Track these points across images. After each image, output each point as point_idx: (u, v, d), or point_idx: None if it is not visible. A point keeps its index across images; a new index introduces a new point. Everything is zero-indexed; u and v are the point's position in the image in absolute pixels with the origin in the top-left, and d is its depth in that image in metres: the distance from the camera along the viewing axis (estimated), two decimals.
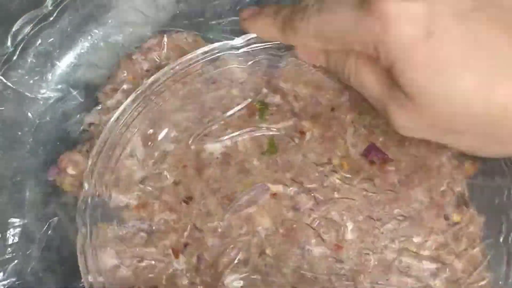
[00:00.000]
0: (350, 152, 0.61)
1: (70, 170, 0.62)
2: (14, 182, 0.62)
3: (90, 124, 0.64)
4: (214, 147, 0.62)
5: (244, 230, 0.58)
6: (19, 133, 0.63)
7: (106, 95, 0.64)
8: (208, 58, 0.62)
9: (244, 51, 0.60)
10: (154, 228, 0.59)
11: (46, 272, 0.59)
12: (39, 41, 0.63)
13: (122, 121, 0.61)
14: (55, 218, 0.61)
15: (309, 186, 0.60)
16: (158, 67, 0.65)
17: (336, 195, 0.59)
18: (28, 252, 0.59)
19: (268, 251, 0.58)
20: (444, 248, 0.57)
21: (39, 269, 0.59)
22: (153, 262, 0.58)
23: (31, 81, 0.64)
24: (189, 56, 0.62)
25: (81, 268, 0.56)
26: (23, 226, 0.60)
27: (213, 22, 0.66)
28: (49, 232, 0.60)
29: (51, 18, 0.63)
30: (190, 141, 0.62)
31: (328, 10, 0.47)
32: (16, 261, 0.58)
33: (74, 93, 0.64)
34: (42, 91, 0.64)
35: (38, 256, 0.59)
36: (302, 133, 0.62)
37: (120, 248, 0.59)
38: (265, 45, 0.59)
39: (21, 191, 0.62)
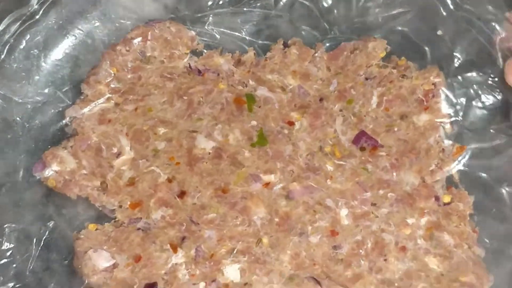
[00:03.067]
0: (340, 139, 0.62)
1: (55, 166, 0.61)
2: (11, 182, 0.61)
3: (71, 118, 0.63)
4: (205, 143, 0.62)
5: (239, 220, 0.59)
6: (9, 136, 0.62)
7: (89, 85, 0.64)
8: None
9: None
10: (150, 225, 0.59)
11: (46, 272, 0.58)
12: (26, 41, 0.62)
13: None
14: (53, 217, 0.60)
15: (301, 174, 0.60)
16: (142, 60, 0.65)
17: (329, 182, 0.60)
18: (26, 256, 0.58)
19: (264, 239, 0.58)
20: (436, 227, 0.58)
21: (39, 269, 0.58)
22: (151, 259, 0.58)
23: (18, 85, 0.63)
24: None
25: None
26: (20, 230, 0.59)
27: (199, 15, 0.66)
28: (47, 231, 0.59)
29: (37, 17, 0.62)
30: (181, 138, 0.62)
31: None
32: (14, 265, 0.58)
33: (62, 95, 0.64)
34: (30, 94, 0.64)
35: (37, 257, 0.58)
36: (291, 123, 0.63)
37: (115, 248, 0.58)
38: None
39: (18, 191, 0.61)
